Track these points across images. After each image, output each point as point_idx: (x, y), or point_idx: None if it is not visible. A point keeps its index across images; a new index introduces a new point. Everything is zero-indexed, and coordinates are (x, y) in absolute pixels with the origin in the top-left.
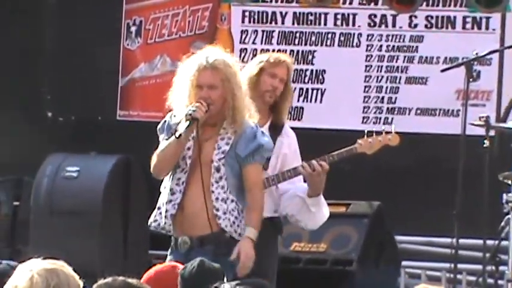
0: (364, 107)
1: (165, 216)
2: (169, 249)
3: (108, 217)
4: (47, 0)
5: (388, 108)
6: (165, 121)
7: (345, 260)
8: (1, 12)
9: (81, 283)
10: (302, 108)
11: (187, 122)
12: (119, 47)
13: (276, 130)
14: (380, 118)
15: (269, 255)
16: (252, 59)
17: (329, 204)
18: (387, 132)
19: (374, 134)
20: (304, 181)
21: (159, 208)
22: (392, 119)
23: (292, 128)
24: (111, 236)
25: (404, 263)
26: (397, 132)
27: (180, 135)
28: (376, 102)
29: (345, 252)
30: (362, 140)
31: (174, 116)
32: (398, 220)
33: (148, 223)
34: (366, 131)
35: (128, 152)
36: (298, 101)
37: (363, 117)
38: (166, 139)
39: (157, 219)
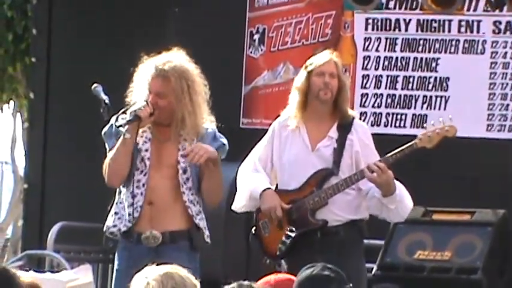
0: (489, 115)
1: (129, 221)
2: (120, 247)
3: (232, 224)
4: (171, 8)
5: None
6: (111, 125)
7: (469, 268)
8: (125, 22)
9: (197, 283)
10: (426, 115)
11: (130, 117)
12: (242, 55)
13: (344, 129)
14: (505, 126)
15: (351, 258)
16: (375, 66)
17: (453, 213)
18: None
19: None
20: None
21: (116, 213)
22: None
23: (416, 136)
24: (234, 244)
25: None
26: None
27: (121, 125)
28: (500, 109)
29: (470, 260)
30: (422, 134)
31: (122, 118)
32: None
33: (104, 229)
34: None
35: None
36: (422, 108)
37: (487, 125)
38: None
39: (116, 224)
